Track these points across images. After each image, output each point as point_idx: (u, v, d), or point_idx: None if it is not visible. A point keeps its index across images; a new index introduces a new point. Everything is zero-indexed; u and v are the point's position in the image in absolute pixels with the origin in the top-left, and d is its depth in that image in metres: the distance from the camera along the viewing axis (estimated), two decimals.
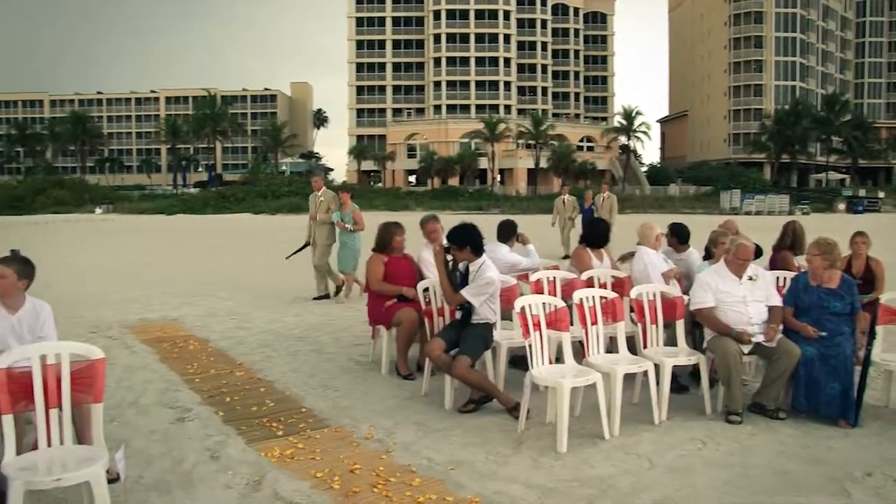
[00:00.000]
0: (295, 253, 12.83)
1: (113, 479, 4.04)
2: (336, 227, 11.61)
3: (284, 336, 9.05)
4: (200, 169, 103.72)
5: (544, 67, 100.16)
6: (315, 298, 11.75)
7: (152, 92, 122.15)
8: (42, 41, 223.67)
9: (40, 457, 3.83)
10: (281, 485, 4.43)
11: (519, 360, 6.73)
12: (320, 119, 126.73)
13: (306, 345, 8.53)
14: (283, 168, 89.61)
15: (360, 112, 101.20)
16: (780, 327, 5.82)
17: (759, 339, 5.72)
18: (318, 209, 11.81)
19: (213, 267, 17.97)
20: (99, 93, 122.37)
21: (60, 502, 4.18)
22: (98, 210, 62.25)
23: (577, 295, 5.95)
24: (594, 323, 5.87)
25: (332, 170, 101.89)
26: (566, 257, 17.15)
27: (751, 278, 5.93)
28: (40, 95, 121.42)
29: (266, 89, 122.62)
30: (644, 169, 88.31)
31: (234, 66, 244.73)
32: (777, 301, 5.97)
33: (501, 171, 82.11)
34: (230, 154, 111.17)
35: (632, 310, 6.43)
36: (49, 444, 3.88)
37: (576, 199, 19.98)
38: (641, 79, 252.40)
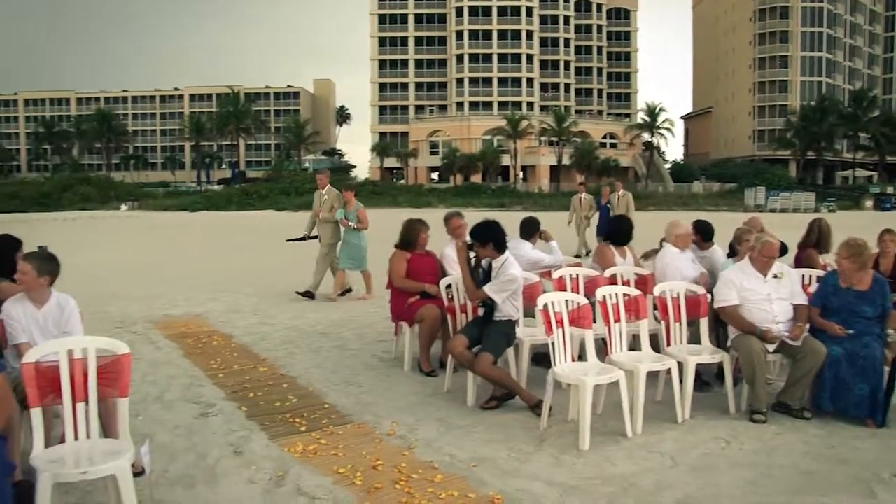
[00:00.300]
0: (295, 240, 12.51)
1: (138, 473, 4.08)
2: (340, 225, 11.43)
3: (307, 332, 9.09)
4: (224, 166, 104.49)
5: (567, 64, 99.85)
6: (340, 295, 11.71)
7: (176, 90, 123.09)
8: (67, 40, 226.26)
9: (67, 450, 3.88)
10: (304, 480, 4.45)
11: (541, 358, 6.71)
12: (343, 116, 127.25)
13: (329, 341, 8.56)
14: (306, 165, 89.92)
15: (382, 109, 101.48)
16: (807, 326, 5.76)
17: (785, 336, 5.66)
18: (322, 207, 11.75)
19: (236, 263, 18.10)
20: (124, 90, 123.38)
21: (87, 495, 4.24)
22: (123, 207, 62.97)
23: (600, 292, 5.93)
24: (617, 320, 5.85)
25: (355, 167, 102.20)
26: (581, 255, 17.04)
27: (776, 276, 5.87)
28: (67, 94, 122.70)
29: (289, 86, 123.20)
30: (667, 166, 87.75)
31: (257, 64, 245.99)
32: (803, 299, 5.91)
33: (524, 168, 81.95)
34: (253, 151, 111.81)
35: (655, 307, 6.40)
36: (76, 438, 3.93)
37: (592, 197, 19.72)
38: (665, 75, 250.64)
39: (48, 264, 4.64)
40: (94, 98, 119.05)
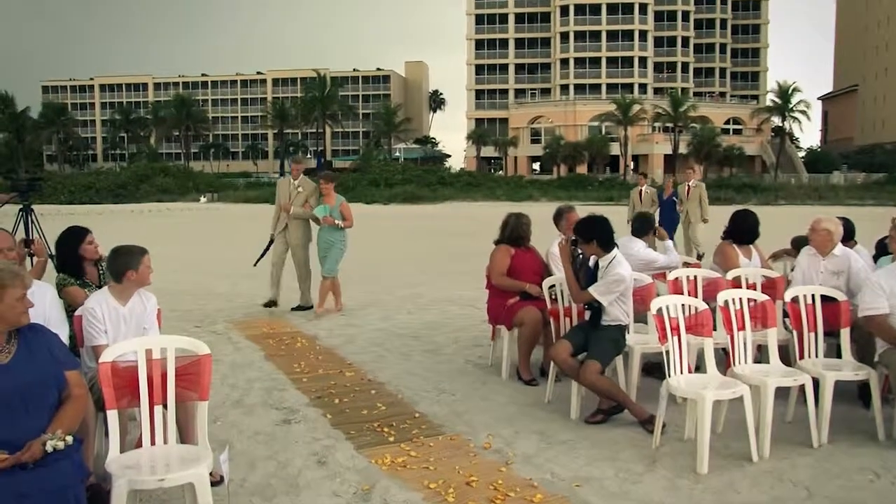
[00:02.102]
0: (262, 257, 11.66)
1: (216, 482, 4.20)
2: (320, 223, 10.53)
3: (397, 335, 9.20)
4: (309, 155, 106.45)
5: (685, 40, 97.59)
6: (265, 306, 11.15)
7: (259, 73, 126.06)
8: (144, 22, 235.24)
9: (144, 455, 4.01)
10: (391, 495, 4.51)
11: (654, 368, 6.62)
12: (437, 101, 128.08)
13: (421, 345, 8.65)
14: (397, 154, 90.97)
15: (479, 93, 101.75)
16: None
17: None
18: (292, 201, 10.81)
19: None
20: (204, 75, 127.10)
21: (163, 503, 4.39)
22: (202, 198, 65.04)
23: (722, 296, 5.79)
24: (741, 328, 5.70)
25: (449, 156, 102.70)
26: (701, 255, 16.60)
27: None
28: (144, 78, 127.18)
29: (378, 69, 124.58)
30: (801, 154, 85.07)
31: (344, 46, 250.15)
32: None
33: (635, 158, 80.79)
34: (340, 139, 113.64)
35: (786, 315, 6.20)
36: (153, 443, 4.06)
37: (655, 191, 18.68)
38: (801, 50, 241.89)
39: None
40: (173, 83, 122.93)
